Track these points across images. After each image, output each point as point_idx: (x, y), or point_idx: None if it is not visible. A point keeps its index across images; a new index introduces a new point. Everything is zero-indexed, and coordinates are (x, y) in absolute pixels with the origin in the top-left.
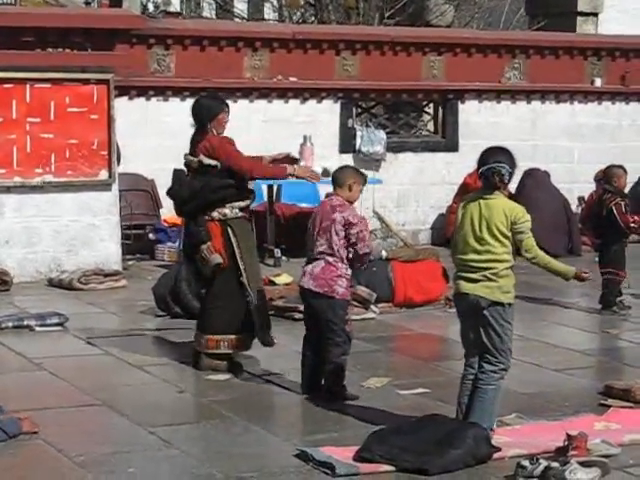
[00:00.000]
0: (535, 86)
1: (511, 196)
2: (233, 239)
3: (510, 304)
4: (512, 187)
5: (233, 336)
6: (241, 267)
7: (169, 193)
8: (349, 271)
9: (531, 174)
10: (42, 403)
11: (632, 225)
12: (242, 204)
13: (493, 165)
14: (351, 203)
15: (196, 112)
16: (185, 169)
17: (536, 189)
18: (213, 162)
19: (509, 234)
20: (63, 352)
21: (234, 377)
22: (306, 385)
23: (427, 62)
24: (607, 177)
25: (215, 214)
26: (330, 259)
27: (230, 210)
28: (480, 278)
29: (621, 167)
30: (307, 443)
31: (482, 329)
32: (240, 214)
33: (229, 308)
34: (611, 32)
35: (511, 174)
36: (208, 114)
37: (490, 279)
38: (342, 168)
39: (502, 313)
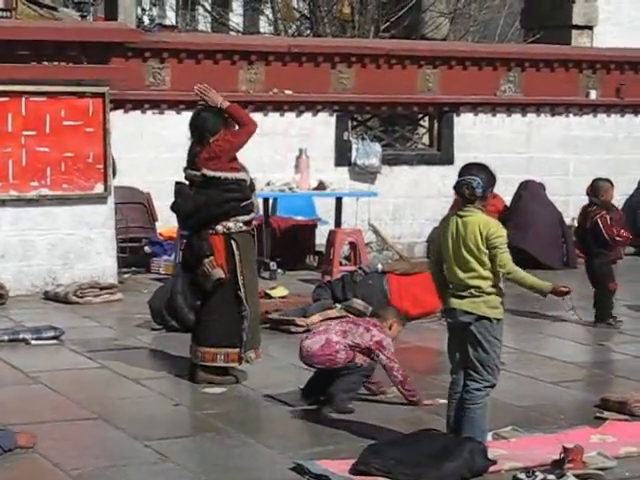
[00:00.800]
0: (530, 99)
1: (506, 208)
2: (236, 253)
3: (498, 320)
4: (507, 199)
5: (229, 349)
6: (240, 281)
7: (172, 207)
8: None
9: (526, 186)
10: (38, 417)
11: (617, 238)
12: (246, 218)
13: (464, 177)
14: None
15: (198, 125)
16: (187, 182)
17: (532, 202)
18: (217, 174)
19: (486, 250)
20: (59, 366)
21: (230, 388)
22: (306, 394)
23: (422, 75)
24: (594, 190)
25: (219, 228)
26: (334, 338)
27: (234, 224)
28: (466, 295)
29: (608, 180)
30: (303, 456)
31: (469, 345)
32: (244, 228)
33: (225, 321)
34: (606, 45)
35: (485, 188)
36: (212, 129)
37: (475, 295)
38: (386, 307)
39: (489, 329)
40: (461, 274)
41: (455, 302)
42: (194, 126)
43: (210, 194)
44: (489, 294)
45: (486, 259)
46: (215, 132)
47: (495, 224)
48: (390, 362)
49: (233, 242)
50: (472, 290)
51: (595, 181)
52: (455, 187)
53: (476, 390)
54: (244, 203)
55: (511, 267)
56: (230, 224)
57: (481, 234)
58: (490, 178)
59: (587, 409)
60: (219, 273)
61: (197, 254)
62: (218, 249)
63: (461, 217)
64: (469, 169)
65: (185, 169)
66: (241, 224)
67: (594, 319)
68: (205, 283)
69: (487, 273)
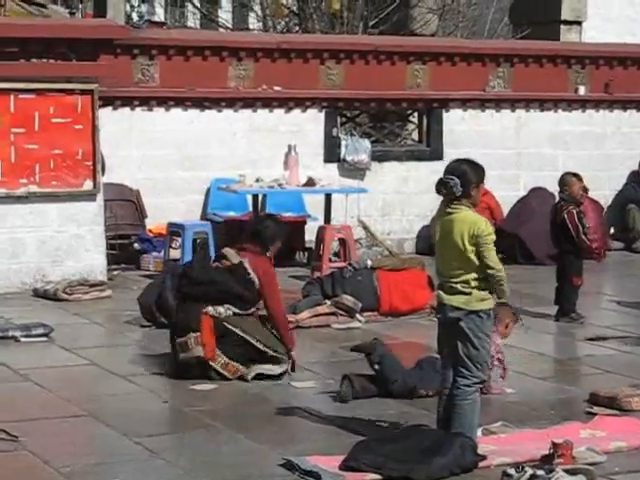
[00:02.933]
0: (519, 94)
1: (497, 205)
2: (234, 329)
3: (488, 315)
4: (497, 195)
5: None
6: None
7: (187, 268)
8: None
9: (536, 190)
10: (28, 414)
11: (582, 237)
12: (240, 312)
13: (442, 177)
14: None
15: (262, 231)
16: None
17: (536, 200)
18: (252, 273)
19: (473, 248)
20: (48, 363)
21: (219, 384)
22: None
23: (411, 71)
24: (560, 185)
25: (210, 309)
26: None
27: (225, 310)
28: (455, 290)
29: (575, 175)
30: (293, 452)
31: (459, 341)
32: (231, 314)
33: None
34: (594, 40)
35: (465, 186)
36: (273, 239)
37: (464, 291)
38: (502, 307)
39: (479, 324)
40: (449, 269)
41: (445, 297)
42: (259, 231)
43: (228, 280)
44: (475, 287)
45: (473, 256)
46: (275, 242)
47: (484, 222)
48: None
49: (225, 323)
50: (459, 285)
51: (562, 176)
52: (435, 186)
53: (465, 386)
54: (248, 308)
55: (499, 266)
56: (221, 309)
57: (469, 232)
58: (474, 174)
59: (577, 404)
60: (199, 351)
61: (185, 325)
62: (205, 329)
63: (449, 214)
64: (450, 168)
65: (228, 250)
66: (231, 312)
67: (556, 313)
68: (180, 353)
69: (474, 268)
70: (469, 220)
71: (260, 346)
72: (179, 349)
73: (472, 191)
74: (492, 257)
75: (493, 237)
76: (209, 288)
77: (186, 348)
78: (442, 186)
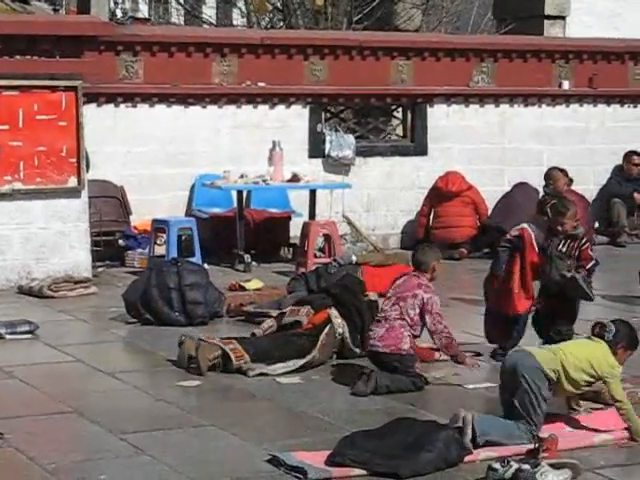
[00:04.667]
0: (503, 89)
1: (483, 202)
2: (323, 334)
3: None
4: (482, 190)
5: None
6: (309, 356)
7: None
8: (414, 332)
9: (521, 185)
10: (13, 411)
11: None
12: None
13: (604, 322)
14: (431, 281)
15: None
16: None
17: (521, 195)
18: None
19: (592, 372)
20: (34, 360)
21: (205, 381)
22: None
23: (395, 66)
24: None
25: (334, 312)
26: (397, 324)
27: (342, 326)
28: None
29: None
30: (278, 448)
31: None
32: (339, 334)
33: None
34: (578, 35)
35: (615, 339)
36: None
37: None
38: (424, 250)
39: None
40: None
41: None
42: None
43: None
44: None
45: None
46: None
47: (616, 364)
48: (434, 325)
49: (329, 326)
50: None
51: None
52: (593, 326)
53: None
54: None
55: (625, 399)
56: (339, 321)
57: (604, 361)
58: (627, 337)
59: (562, 398)
60: (303, 320)
61: (311, 301)
62: (319, 316)
63: (589, 338)
64: (617, 323)
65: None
66: (346, 333)
67: None
68: (287, 317)
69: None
70: (604, 351)
71: (309, 358)
72: (289, 313)
73: (618, 349)
74: (618, 391)
75: (618, 372)
76: (345, 294)
77: (295, 314)
78: (600, 325)
